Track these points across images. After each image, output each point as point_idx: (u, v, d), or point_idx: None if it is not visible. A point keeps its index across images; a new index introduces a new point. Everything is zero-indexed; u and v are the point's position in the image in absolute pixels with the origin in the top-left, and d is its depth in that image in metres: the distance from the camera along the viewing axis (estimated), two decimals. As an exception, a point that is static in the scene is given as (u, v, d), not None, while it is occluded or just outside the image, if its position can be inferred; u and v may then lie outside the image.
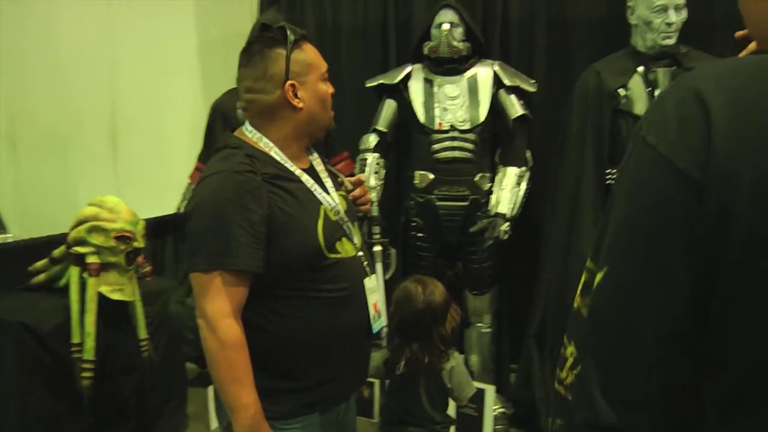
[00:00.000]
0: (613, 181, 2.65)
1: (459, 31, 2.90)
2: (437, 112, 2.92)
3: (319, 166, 1.65)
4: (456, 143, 2.91)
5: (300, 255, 1.48)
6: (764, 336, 0.64)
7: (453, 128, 2.91)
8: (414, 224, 3.02)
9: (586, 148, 2.76)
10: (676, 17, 2.62)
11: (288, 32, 1.53)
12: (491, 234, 2.86)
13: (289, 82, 1.51)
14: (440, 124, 2.91)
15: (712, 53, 2.74)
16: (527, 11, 3.23)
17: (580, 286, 0.76)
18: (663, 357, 0.69)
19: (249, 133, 1.56)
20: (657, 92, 2.67)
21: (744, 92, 0.66)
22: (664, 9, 2.61)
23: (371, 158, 2.99)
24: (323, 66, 1.59)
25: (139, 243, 2.61)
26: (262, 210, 1.43)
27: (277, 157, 1.53)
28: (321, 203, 1.55)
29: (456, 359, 2.13)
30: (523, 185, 2.92)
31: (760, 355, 0.64)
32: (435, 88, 2.95)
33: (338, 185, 1.68)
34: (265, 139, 1.54)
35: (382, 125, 3.02)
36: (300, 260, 1.49)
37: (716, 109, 0.65)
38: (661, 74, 2.71)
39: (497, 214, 2.87)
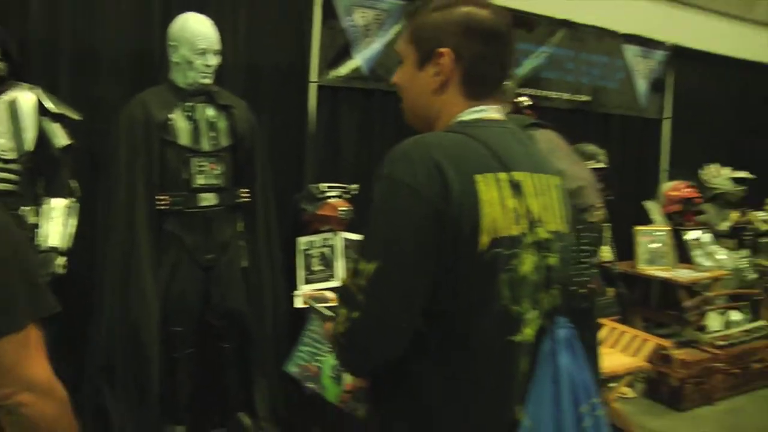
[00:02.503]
0: (165, 207, 2.87)
1: (-7, 49, 2.63)
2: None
3: None
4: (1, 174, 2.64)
5: None
6: (469, 299, 1.12)
7: (-1, 158, 2.62)
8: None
9: (136, 177, 2.85)
10: (214, 61, 2.96)
11: None
12: (47, 270, 2.69)
13: None
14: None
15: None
16: (50, 34, 3.06)
17: (350, 272, 1.14)
18: (412, 316, 1.12)
19: None
20: (198, 124, 2.97)
21: (456, 156, 1.12)
22: (205, 52, 2.91)
23: None
24: None
25: None
26: None
27: None
28: None
29: None
30: (73, 217, 2.82)
31: (465, 311, 1.13)
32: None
33: None
34: None
35: None
36: None
37: (445, 166, 1.09)
38: (199, 109, 3.00)
39: (51, 249, 2.72)
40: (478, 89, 1.24)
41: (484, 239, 1.10)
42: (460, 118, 1.23)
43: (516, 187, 1.16)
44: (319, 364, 1.74)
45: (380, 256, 1.10)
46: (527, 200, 1.18)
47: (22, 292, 1.11)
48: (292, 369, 1.81)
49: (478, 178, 1.12)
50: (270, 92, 3.60)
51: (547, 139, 3.01)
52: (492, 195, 1.12)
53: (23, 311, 1.11)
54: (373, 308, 1.11)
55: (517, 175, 1.17)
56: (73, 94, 3.11)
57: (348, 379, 1.61)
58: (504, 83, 1.27)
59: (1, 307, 1.08)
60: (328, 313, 1.55)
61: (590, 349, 2.85)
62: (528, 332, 1.19)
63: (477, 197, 1.10)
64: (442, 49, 1.21)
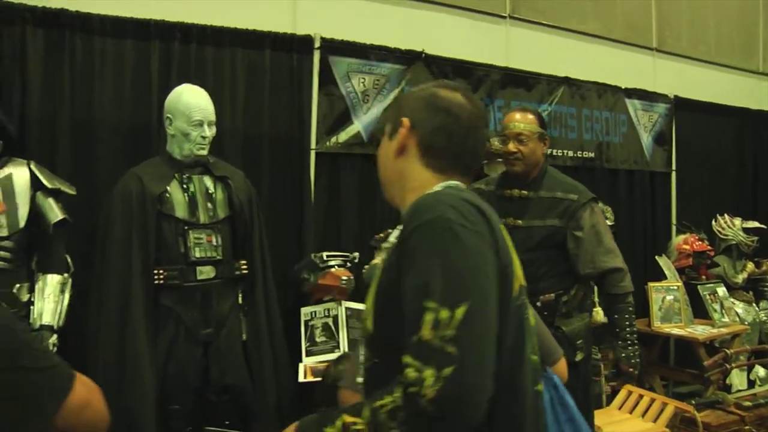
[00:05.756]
0: (161, 281, 2.79)
1: (-13, 126, 2.62)
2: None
3: None
4: (-7, 253, 2.59)
5: None
6: (510, 347, 1.09)
7: (-9, 236, 2.58)
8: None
9: (132, 252, 2.77)
10: (209, 132, 2.94)
11: None
12: (38, 349, 2.61)
13: None
14: (-27, 231, 2.55)
15: (228, 161, 3.20)
16: (49, 109, 3.08)
17: (429, 325, 1.00)
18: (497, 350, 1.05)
19: None
20: (195, 196, 2.93)
21: (480, 203, 1.14)
22: (201, 124, 2.89)
23: None
24: None
25: None
26: None
27: None
28: None
29: None
30: (67, 293, 2.76)
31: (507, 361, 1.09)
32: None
33: None
34: None
35: None
36: None
37: (485, 209, 1.13)
38: (196, 180, 2.96)
39: (42, 327, 2.64)
40: (437, 162, 1.27)
41: (516, 285, 1.12)
42: (433, 189, 1.22)
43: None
44: None
45: (467, 297, 1.01)
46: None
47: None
48: None
49: (501, 225, 1.16)
50: (269, 161, 3.58)
51: (600, 213, 2.92)
52: (510, 244, 1.16)
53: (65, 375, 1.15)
54: (471, 357, 1.00)
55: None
56: (72, 168, 3.11)
57: None
58: (470, 167, 1.32)
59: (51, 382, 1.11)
60: None
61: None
62: (541, 386, 1.21)
63: (508, 243, 1.14)
64: (403, 118, 1.30)
